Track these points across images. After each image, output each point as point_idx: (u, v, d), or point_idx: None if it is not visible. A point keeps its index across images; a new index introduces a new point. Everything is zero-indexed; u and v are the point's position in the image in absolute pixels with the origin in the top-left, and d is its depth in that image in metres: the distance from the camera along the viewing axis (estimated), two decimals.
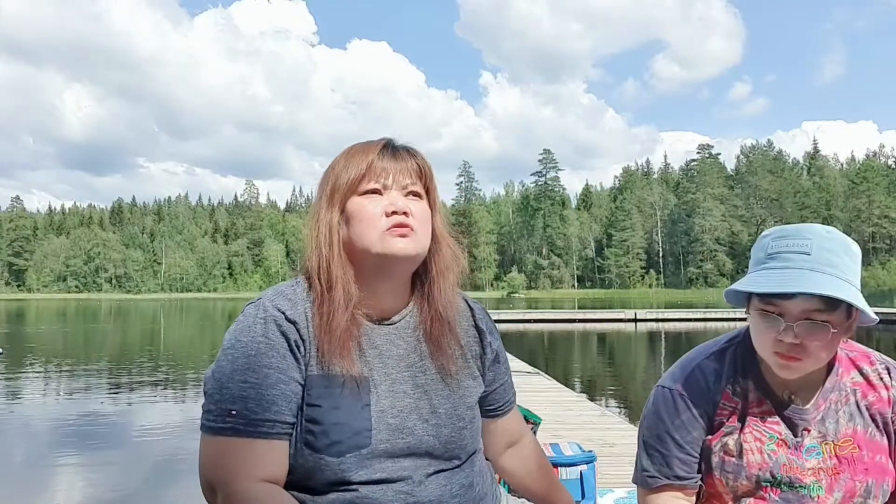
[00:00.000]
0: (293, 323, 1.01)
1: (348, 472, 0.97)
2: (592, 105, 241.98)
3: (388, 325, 1.09)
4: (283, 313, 1.01)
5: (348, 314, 1.02)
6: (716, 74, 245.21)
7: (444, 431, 1.05)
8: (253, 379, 0.96)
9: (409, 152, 1.11)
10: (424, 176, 1.11)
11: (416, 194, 1.08)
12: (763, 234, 1.17)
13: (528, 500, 1.33)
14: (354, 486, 0.98)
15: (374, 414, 1.00)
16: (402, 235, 1.03)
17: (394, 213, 1.04)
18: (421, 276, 1.12)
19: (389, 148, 1.10)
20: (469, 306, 1.20)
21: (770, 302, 1.08)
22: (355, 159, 1.07)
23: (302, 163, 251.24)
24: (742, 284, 1.12)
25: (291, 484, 1.00)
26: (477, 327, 1.18)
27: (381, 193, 1.06)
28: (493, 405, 1.22)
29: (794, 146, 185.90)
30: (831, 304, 1.04)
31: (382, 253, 1.03)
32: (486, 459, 1.24)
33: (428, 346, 1.09)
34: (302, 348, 1.00)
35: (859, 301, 1.04)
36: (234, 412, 0.95)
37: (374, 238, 1.03)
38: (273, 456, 0.96)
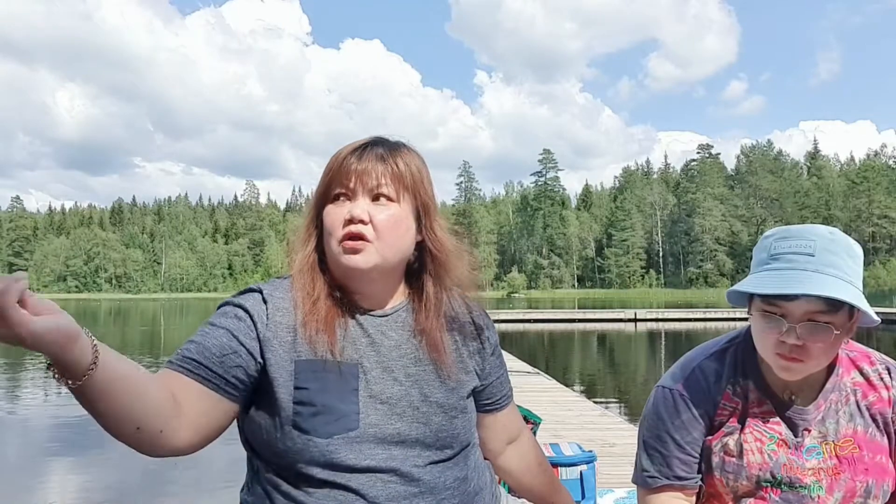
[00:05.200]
0: (266, 302, 1.04)
1: (337, 454, 0.98)
2: (588, 104, 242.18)
3: (380, 316, 1.09)
4: (261, 292, 1.05)
5: (318, 310, 1.03)
6: (711, 73, 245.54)
7: (435, 420, 1.05)
8: (206, 329, 1.02)
9: (382, 153, 1.06)
10: (400, 177, 1.06)
11: (386, 197, 1.05)
12: (765, 234, 1.16)
13: (528, 501, 1.32)
14: (345, 473, 0.98)
15: (363, 399, 1.01)
16: (353, 250, 1.02)
17: (349, 221, 1.02)
18: (416, 270, 1.12)
19: (361, 148, 1.07)
20: (465, 302, 1.20)
21: (773, 303, 1.08)
22: (331, 161, 1.07)
23: (299, 163, 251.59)
24: (745, 285, 1.11)
25: (282, 469, 1.01)
26: (474, 323, 1.18)
27: (349, 199, 1.05)
28: (490, 399, 1.21)
29: (791, 146, 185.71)
30: (834, 305, 1.04)
31: (339, 264, 1.04)
32: (486, 459, 1.24)
33: (421, 338, 1.09)
34: (261, 325, 1.02)
35: (862, 303, 1.04)
36: (179, 350, 1.01)
37: (333, 247, 1.04)
38: (183, 386, 0.96)
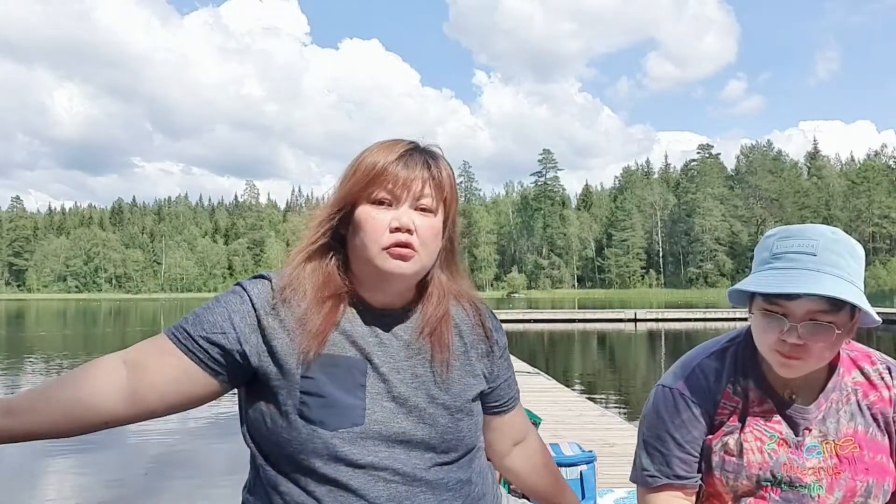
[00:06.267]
0: (273, 290, 1.04)
1: (340, 448, 0.98)
2: (588, 104, 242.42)
3: (391, 316, 1.09)
4: (270, 280, 1.06)
5: (330, 305, 1.04)
6: (710, 73, 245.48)
7: (441, 421, 1.05)
8: (211, 303, 1.04)
9: (429, 162, 1.07)
10: (441, 189, 1.07)
11: (427, 209, 1.05)
12: (767, 233, 1.16)
13: (533, 501, 1.33)
14: (347, 468, 0.98)
15: (369, 395, 1.02)
16: (401, 257, 1.02)
17: (397, 229, 1.02)
18: (429, 274, 1.12)
19: (408, 155, 1.06)
20: (475, 305, 1.20)
21: (774, 302, 1.08)
22: (370, 161, 1.05)
23: (298, 162, 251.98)
24: (746, 284, 1.11)
25: (282, 462, 1.01)
26: (483, 325, 1.18)
27: (391, 204, 1.04)
28: (497, 401, 1.21)
29: (790, 146, 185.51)
30: (836, 305, 1.04)
31: (377, 268, 1.03)
32: (488, 460, 1.24)
33: (430, 340, 1.10)
34: (263, 313, 1.02)
35: (864, 303, 1.04)
36: (182, 318, 1.04)
37: (373, 252, 1.02)
38: (163, 356, 1.00)
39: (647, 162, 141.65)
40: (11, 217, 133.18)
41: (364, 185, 1.04)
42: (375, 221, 1.03)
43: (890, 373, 1.18)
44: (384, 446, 1.00)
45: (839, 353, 1.18)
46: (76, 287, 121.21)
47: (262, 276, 1.08)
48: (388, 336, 1.07)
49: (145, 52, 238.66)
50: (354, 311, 1.07)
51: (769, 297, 1.08)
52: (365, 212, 1.04)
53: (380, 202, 1.04)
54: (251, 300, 1.03)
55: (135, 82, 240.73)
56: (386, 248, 1.02)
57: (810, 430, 1.15)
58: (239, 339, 1.00)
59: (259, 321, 1.01)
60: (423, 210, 1.05)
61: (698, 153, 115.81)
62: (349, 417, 0.99)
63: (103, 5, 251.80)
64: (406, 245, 1.02)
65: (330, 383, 1.00)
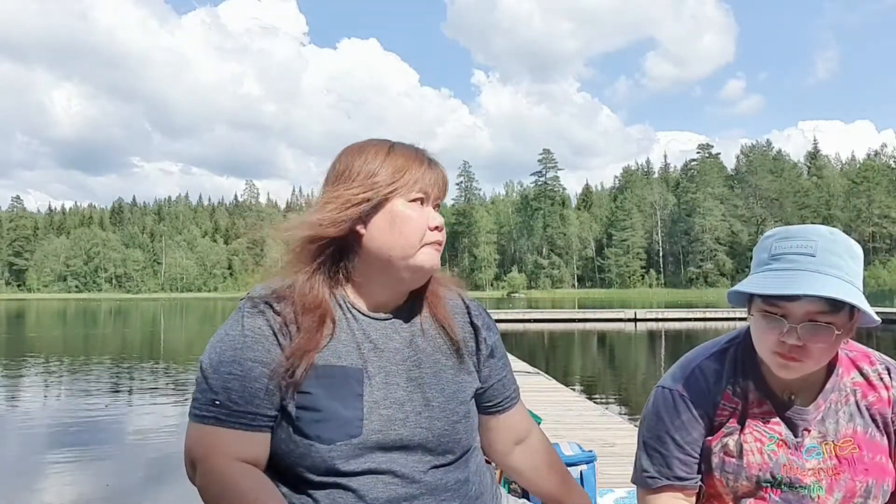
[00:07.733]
0: (279, 314, 1.02)
1: (338, 460, 0.98)
2: (587, 104, 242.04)
3: (383, 319, 1.09)
4: (271, 306, 1.03)
5: (323, 314, 1.03)
6: (709, 72, 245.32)
7: (437, 424, 1.06)
8: (237, 371, 0.98)
9: (438, 164, 1.13)
10: (447, 188, 1.14)
11: (439, 206, 1.12)
12: (766, 234, 1.16)
13: (541, 501, 1.32)
14: (345, 477, 0.98)
15: (366, 404, 1.01)
16: (436, 254, 1.08)
17: (436, 228, 1.07)
18: None
19: (427, 157, 1.11)
20: (464, 303, 1.20)
21: (773, 303, 1.08)
22: (401, 162, 1.07)
23: (297, 162, 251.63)
24: (745, 285, 1.11)
25: (281, 471, 1.01)
26: (472, 324, 1.18)
27: (423, 203, 1.08)
28: (492, 401, 1.21)
29: (789, 145, 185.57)
30: (835, 306, 1.04)
31: (415, 265, 1.05)
32: (488, 462, 1.24)
33: (422, 341, 1.10)
34: (290, 337, 1.01)
35: (863, 303, 1.04)
36: (217, 402, 0.98)
37: (413, 248, 1.04)
38: (252, 445, 0.99)
39: (647, 162, 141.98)
40: (11, 217, 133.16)
41: (403, 184, 1.05)
42: (416, 221, 1.05)
43: (889, 373, 1.18)
44: (382, 454, 1.00)
45: (838, 353, 1.18)
46: (76, 287, 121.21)
47: (266, 303, 1.04)
48: (383, 340, 1.07)
49: (143, 52, 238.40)
50: (348, 316, 1.06)
51: (768, 299, 1.08)
52: (402, 208, 1.05)
53: (416, 200, 1.07)
54: (276, 336, 1.01)
55: (133, 82, 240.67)
56: (429, 245, 1.05)
57: (809, 431, 1.15)
58: (279, 373, 1.00)
59: (280, 346, 1.01)
60: (436, 207, 1.11)
61: (698, 153, 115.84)
62: (346, 430, 0.98)
63: (101, 5, 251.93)
64: (441, 243, 1.08)
65: (326, 396, 0.99)
